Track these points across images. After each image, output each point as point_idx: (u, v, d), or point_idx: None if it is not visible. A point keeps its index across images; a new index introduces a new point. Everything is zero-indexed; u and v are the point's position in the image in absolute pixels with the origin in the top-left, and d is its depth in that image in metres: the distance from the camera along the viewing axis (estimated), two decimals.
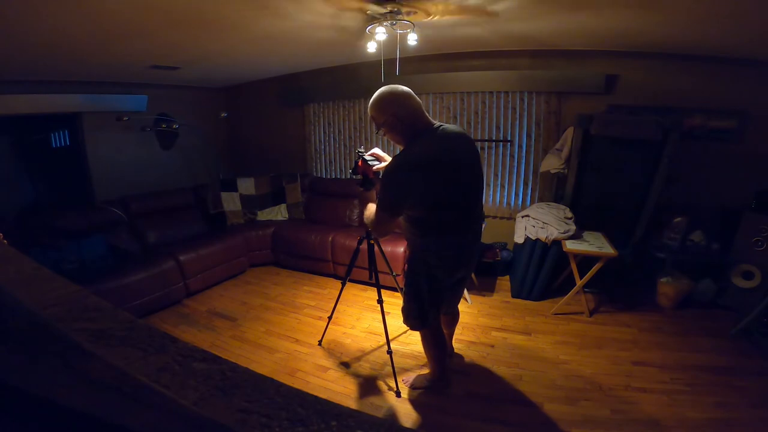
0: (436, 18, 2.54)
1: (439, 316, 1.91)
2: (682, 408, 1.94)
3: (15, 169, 4.53)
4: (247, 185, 4.39)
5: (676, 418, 1.87)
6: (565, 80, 3.39)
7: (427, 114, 1.66)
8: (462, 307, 2.87)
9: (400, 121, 1.58)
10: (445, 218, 1.66)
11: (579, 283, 2.85)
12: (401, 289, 2.86)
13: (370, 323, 2.86)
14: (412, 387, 2.14)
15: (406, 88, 1.60)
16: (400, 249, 3.26)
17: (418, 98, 1.62)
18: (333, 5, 2.29)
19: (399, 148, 1.71)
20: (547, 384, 2.15)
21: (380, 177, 1.62)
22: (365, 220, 1.81)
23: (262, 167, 4.89)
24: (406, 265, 1.89)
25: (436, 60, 3.78)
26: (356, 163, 2.06)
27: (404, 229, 1.81)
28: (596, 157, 3.11)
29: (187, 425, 0.29)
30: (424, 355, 2.43)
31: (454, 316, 2.26)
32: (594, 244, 2.89)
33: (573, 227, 3.02)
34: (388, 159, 1.94)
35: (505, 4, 2.30)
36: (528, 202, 3.77)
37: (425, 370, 2.23)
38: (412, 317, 1.87)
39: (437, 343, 2.00)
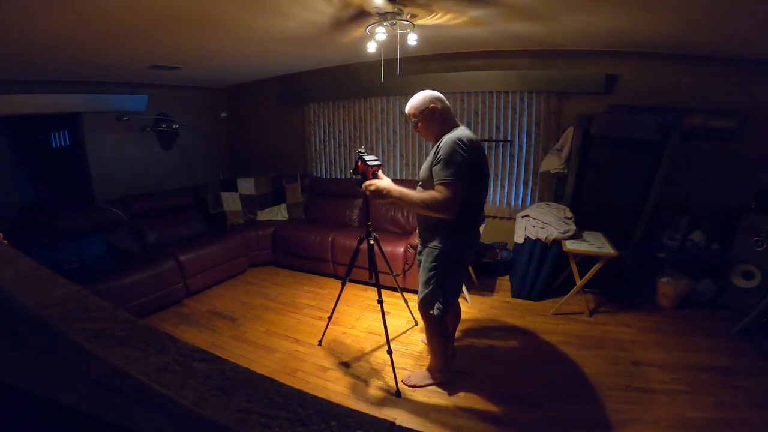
0: (437, 17, 2.54)
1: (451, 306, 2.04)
2: (682, 408, 1.94)
3: (15, 169, 4.53)
4: (247, 185, 4.39)
5: (676, 418, 1.87)
6: (565, 80, 3.39)
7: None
8: (462, 307, 2.87)
9: (438, 112, 1.83)
10: (477, 211, 1.89)
11: (579, 283, 2.85)
12: (401, 289, 2.88)
13: (370, 323, 2.86)
14: (412, 385, 2.14)
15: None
16: (400, 249, 3.26)
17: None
18: (333, 5, 2.29)
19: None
20: (547, 384, 2.15)
21: (444, 154, 1.69)
22: (426, 205, 1.71)
23: (262, 167, 4.89)
24: (433, 258, 1.88)
25: (436, 60, 3.78)
26: (356, 163, 2.07)
27: (428, 222, 1.87)
28: (596, 157, 3.11)
29: (187, 425, 0.29)
30: (424, 354, 2.44)
31: (457, 316, 2.27)
32: (594, 244, 2.89)
33: (573, 227, 3.02)
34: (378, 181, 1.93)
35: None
36: (528, 202, 3.77)
37: (424, 368, 2.23)
38: (439, 303, 1.92)
39: (444, 335, 2.06)
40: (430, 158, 1.80)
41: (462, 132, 1.75)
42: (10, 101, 3.20)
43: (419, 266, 2.00)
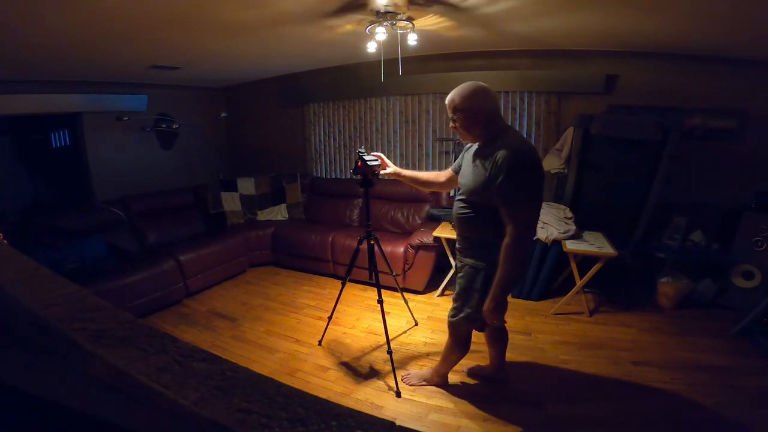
0: (434, 20, 2.54)
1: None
2: (682, 408, 1.94)
3: (15, 169, 4.53)
4: (247, 185, 4.39)
5: (676, 418, 1.87)
6: (565, 80, 3.39)
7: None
8: None
9: (484, 112, 1.56)
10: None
11: (579, 283, 2.85)
12: (401, 289, 2.88)
13: (370, 323, 2.86)
14: (410, 384, 2.14)
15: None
16: (400, 249, 3.26)
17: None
18: (333, 5, 2.29)
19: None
20: (547, 384, 2.15)
21: (511, 174, 1.46)
22: (514, 254, 1.53)
23: (262, 167, 4.88)
24: (482, 270, 1.67)
25: (436, 60, 3.78)
26: (356, 163, 2.07)
27: (484, 232, 1.64)
28: (596, 157, 3.11)
29: (187, 425, 0.29)
30: (424, 355, 2.44)
31: (504, 336, 2.15)
32: (594, 244, 2.88)
33: (573, 227, 3.02)
34: (390, 164, 1.98)
35: (505, 3, 2.30)
36: None
37: (424, 368, 2.23)
38: (481, 318, 1.73)
39: (463, 349, 1.97)
40: (480, 170, 1.56)
41: (521, 141, 1.56)
42: (10, 101, 3.20)
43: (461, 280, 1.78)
